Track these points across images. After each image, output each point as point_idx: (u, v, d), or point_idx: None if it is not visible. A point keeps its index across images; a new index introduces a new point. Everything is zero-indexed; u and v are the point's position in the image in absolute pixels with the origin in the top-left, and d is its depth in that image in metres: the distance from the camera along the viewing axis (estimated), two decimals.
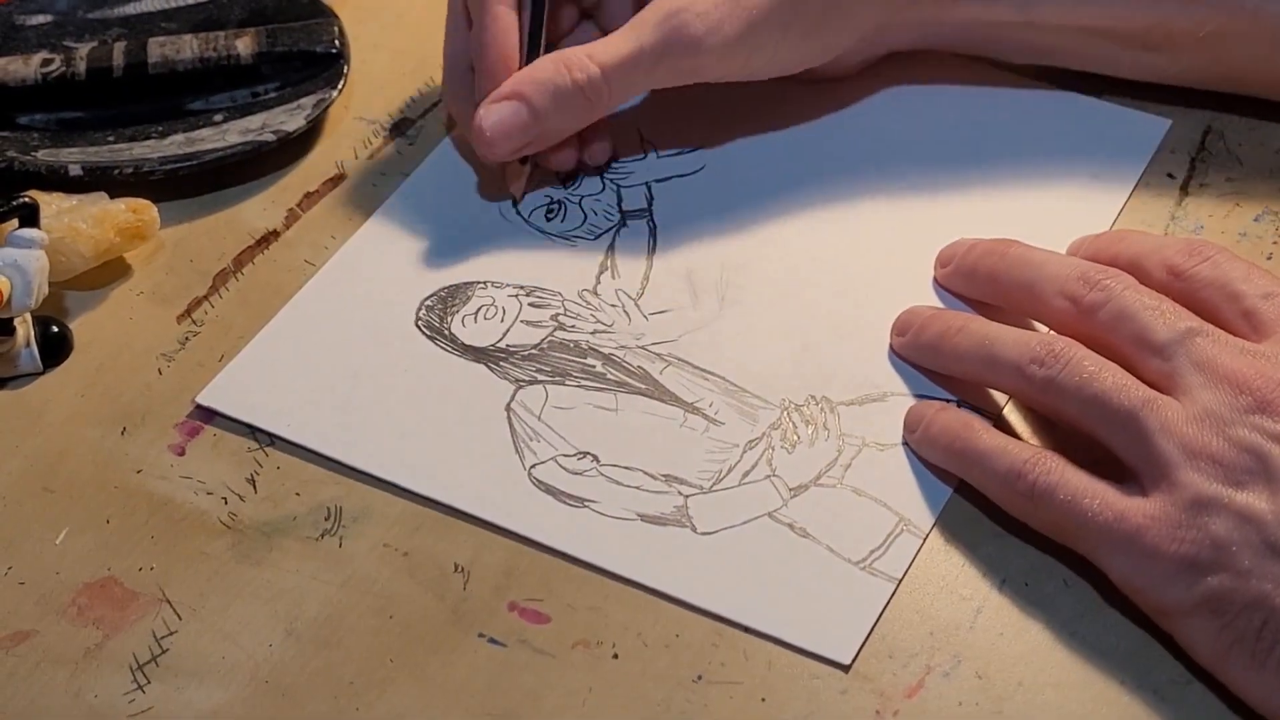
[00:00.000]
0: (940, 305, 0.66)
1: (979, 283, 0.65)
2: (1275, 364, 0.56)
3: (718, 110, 0.74)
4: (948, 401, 0.63)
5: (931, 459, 0.61)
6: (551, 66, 0.67)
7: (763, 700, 0.55)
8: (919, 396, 0.63)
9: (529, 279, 0.68)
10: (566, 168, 0.71)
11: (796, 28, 0.69)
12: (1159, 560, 0.54)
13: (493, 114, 0.67)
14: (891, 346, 0.65)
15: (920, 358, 0.64)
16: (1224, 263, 0.61)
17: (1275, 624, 0.53)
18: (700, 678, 0.56)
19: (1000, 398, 0.63)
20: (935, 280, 0.67)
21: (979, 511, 0.60)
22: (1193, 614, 0.54)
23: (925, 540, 0.59)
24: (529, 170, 0.70)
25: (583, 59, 0.67)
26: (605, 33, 0.70)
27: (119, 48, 0.74)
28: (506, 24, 0.68)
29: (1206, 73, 0.72)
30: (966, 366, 0.62)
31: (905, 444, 0.62)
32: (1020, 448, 0.59)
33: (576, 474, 0.61)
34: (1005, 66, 0.75)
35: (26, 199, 0.64)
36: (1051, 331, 0.61)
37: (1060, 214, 0.70)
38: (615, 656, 0.56)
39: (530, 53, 0.69)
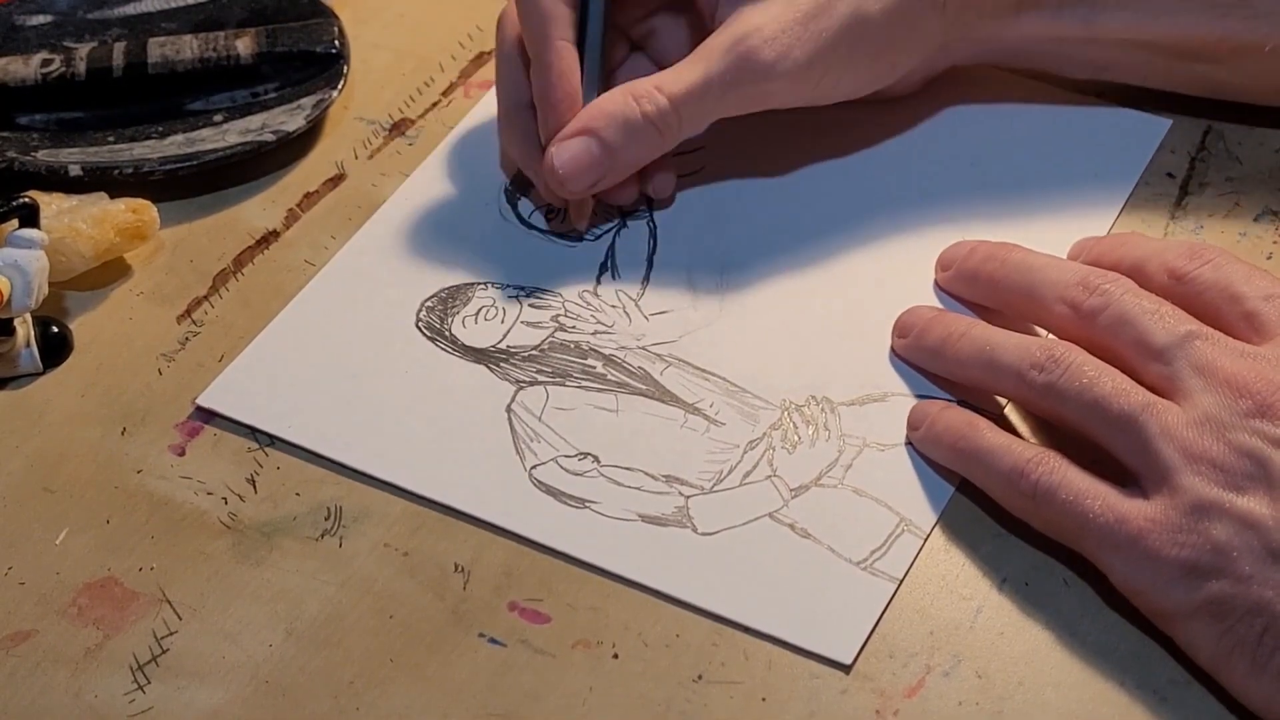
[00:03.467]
0: (941, 307, 0.66)
1: (980, 288, 0.65)
2: (1275, 367, 0.56)
3: None
4: (949, 401, 0.63)
5: (934, 457, 0.61)
6: (620, 99, 0.66)
7: (763, 700, 0.55)
8: (919, 397, 0.63)
9: (529, 280, 0.68)
10: (628, 202, 0.70)
11: (864, 49, 0.68)
12: (1160, 564, 0.54)
13: (565, 151, 0.66)
14: (893, 348, 0.65)
15: (922, 360, 0.64)
16: (1225, 265, 0.61)
17: (1276, 630, 0.53)
18: (700, 678, 0.56)
19: (1001, 400, 0.63)
20: (936, 283, 0.67)
21: (979, 511, 0.60)
22: (1193, 618, 0.54)
23: (926, 540, 0.59)
24: (593, 203, 0.69)
25: (651, 90, 0.66)
26: (658, 65, 0.70)
27: (119, 48, 0.74)
28: (569, 60, 0.67)
29: (1268, 89, 0.72)
30: (968, 371, 0.62)
31: (907, 444, 0.62)
32: (1023, 447, 0.59)
33: (577, 475, 0.61)
34: (1053, 80, 0.74)
35: (26, 199, 0.64)
36: (1052, 336, 0.61)
37: (1060, 214, 0.70)
38: (615, 656, 0.56)
39: (590, 88, 0.67)
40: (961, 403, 0.63)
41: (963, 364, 0.62)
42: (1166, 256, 0.62)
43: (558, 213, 0.70)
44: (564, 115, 0.67)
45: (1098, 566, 0.56)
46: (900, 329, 0.65)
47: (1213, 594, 0.54)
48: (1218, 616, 0.54)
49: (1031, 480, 0.57)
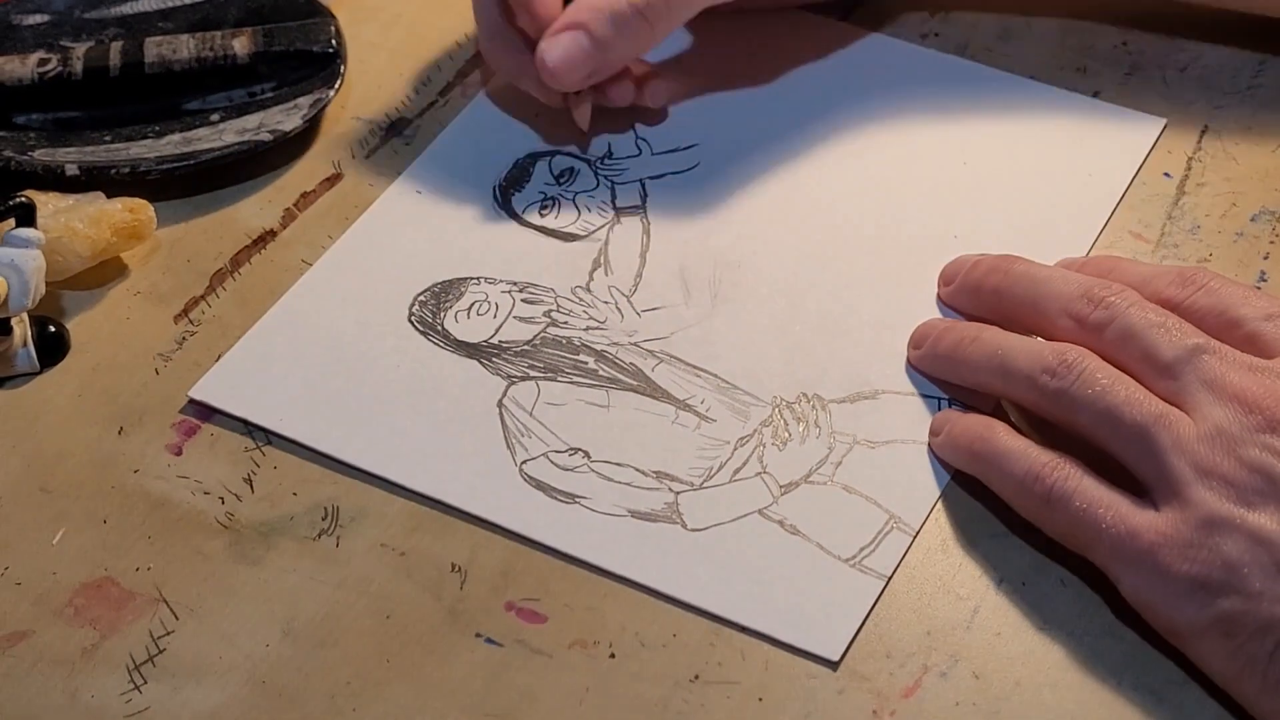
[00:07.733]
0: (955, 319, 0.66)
1: (984, 300, 0.64)
2: None
3: (713, 107, 0.74)
4: (940, 400, 0.63)
5: (952, 461, 0.61)
6: None
7: (760, 700, 0.55)
8: (911, 395, 0.63)
9: (522, 275, 0.68)
10: (625, 102, 0.72)
11: None
12: (1170, 579, 0.54)
13: (556, 46, 0.68)
14: (908, 360, 0.64)
15: (937, 370, 0.63)
16: (1219, 289, 0.60)
17: None
18: (697, 678, 0.56)
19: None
20: (939, 298, 0.66)
21: (976, 511, 0.60)
22: (1204, 635, 0.54)
23: (916, 538, 0.59)
24: (591, 101, 0.71)
25: None
26: None
27: (115, 47, 0.74)
28: None
29: None
30: (981, 377, 0.61)
31: (902, 441, 0.62)
32: (1040, 452, 0.58)
33: (568, 470, 0.61)
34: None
35: (23, 199, 0.64)
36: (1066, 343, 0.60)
37: (1055, 212, 0.70)
38: (612, 656, 0.56)
39: None
40: (954, 402, 0.62)
41: (975, 369, 0.61)
42: (1157, 285, 0.61)
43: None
44: (551, 11, 0.68)
45: (1109, 577, 0.56)
46: (915, 340, 0.64)
47: (1223, 611, 0.53)
48: (1228, 634, 0.53)
49: (1046, 485, 0.57)
